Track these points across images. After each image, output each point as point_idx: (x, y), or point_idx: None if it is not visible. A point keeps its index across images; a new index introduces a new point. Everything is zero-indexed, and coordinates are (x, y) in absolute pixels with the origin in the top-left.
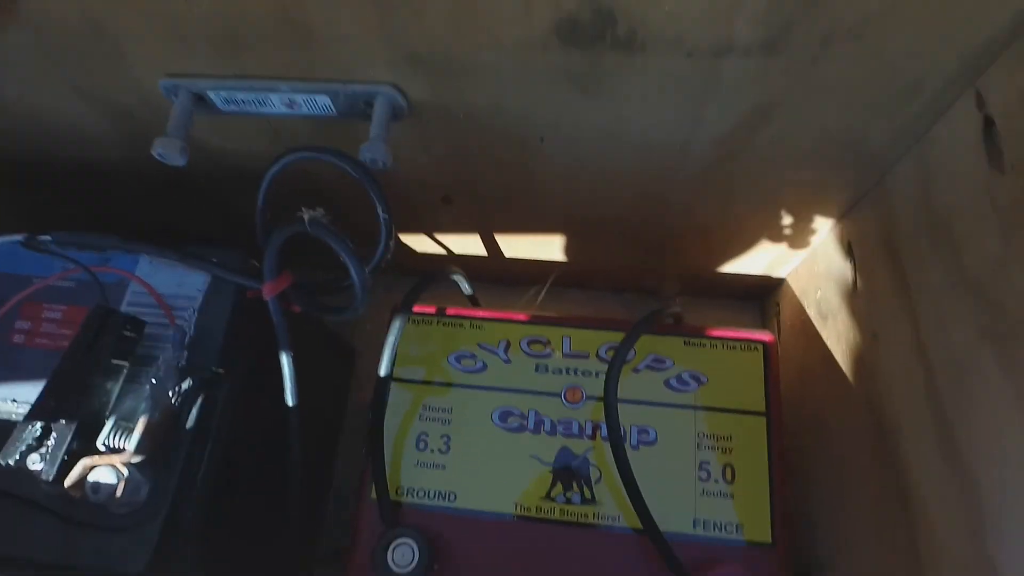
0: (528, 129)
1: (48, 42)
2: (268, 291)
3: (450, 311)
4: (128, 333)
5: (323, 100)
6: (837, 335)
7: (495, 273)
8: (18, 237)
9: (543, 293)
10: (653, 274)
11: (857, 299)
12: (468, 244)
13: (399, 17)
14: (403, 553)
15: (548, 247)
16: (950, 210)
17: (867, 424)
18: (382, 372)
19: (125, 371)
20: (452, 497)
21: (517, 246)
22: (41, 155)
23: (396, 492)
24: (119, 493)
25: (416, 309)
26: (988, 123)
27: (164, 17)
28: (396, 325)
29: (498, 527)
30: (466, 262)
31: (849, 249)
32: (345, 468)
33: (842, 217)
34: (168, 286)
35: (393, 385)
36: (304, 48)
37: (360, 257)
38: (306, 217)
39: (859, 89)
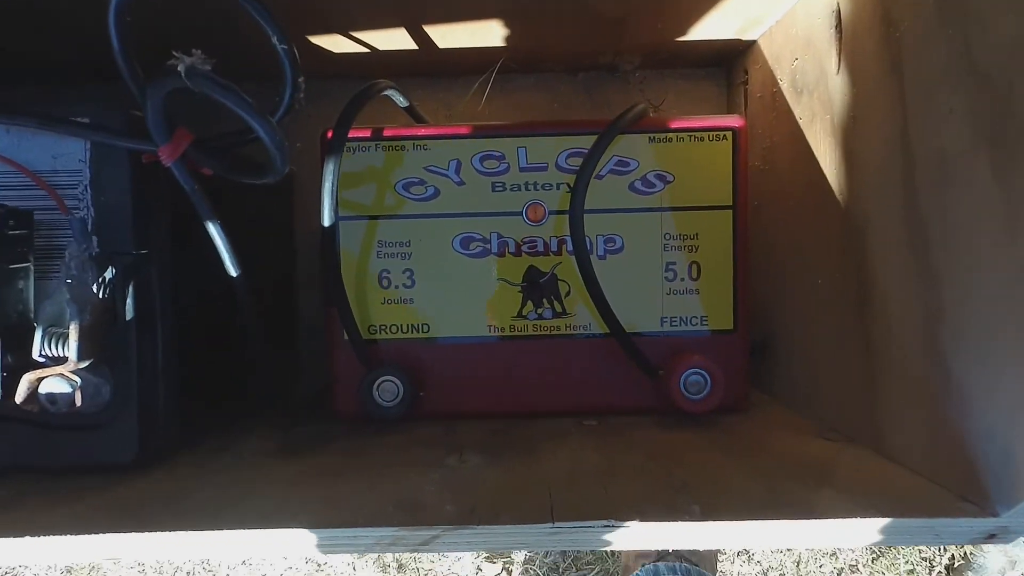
0: None
1: None
2: (167, 156)
3: (388, 132)
4: (15, 231)
5: None
6: (811, 113)
7: (430, 67)
8: None
9: (489, 85)
10: (610, 49)
11: (840, 75)
12: (393, 38)
13: None
14: (387, 389)
15: (489, 33)
16: None
17: (833, 211)
18: (325, 221)
19: (31, 270)
20: (425, 328)
21: (452, 35)
22: None
23: (368, 331)
24: (79, 402)
25: (349, 134)
26: None
27: None
28: (330, 168)
29: (475, 350)
30: (394, 58)
31: (837, 13)
32: (307, 296)
33: None
34: (41, 160)
35: (341, 224)
36: None
37: (262, 110)
38: (181, 68)
39: None
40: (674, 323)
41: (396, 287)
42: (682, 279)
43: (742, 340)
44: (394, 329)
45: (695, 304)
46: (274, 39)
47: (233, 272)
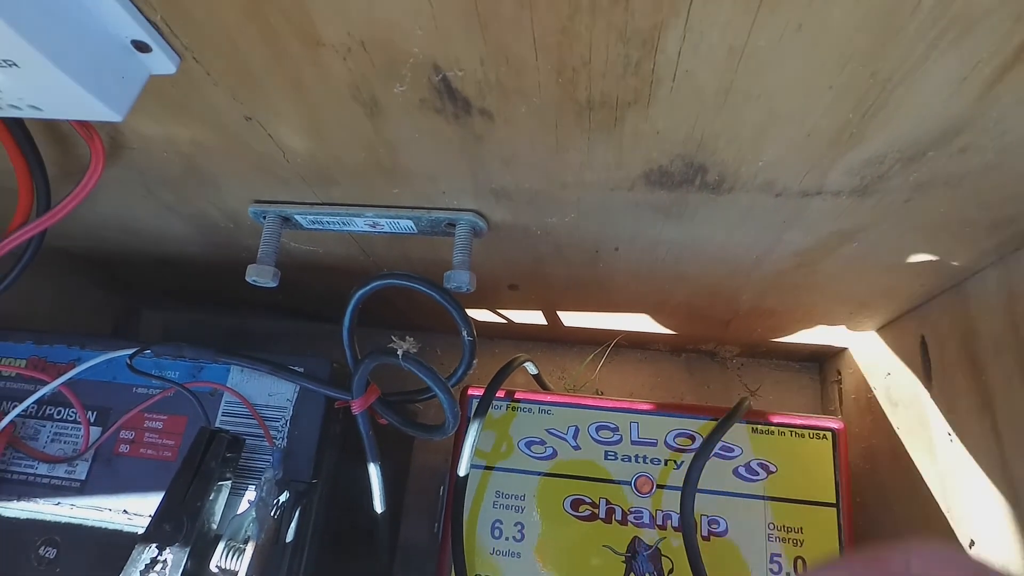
0: (604, 241)
1: (149, 178)
2: (357, 407)
3: (519, 395)
4: (230, 453)
5: (406, 223)
6: (909, 427)
7: (553, 336)
8: (126, 353)
9: (603, 360)
10: (713, 340)
11: (933, 396)
12: (529, 316)
13: (488, 166)
14: None
15: (609, 320)
16: None
17: (942, 527)
18: (462, 471)
19: (228, 487)
20: None
21: (578, 319)
22: (131, 253)
23: None
24: None
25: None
26: None
27: (262, 167)
28: (475, 426)
29: None
30: (524, 329)
31: (922, 342)
32: (407, 522)
33: (913, 309)
34: (259, 396)
35: None
36: (393, 185)
37: (448, 385)
38: (400, 351)
39: (949, 223)
40: None
41: (507, 539)
42: (788, 573)
43: None
44: None
45: None
46: (463, 332)
47: (380, 508)
